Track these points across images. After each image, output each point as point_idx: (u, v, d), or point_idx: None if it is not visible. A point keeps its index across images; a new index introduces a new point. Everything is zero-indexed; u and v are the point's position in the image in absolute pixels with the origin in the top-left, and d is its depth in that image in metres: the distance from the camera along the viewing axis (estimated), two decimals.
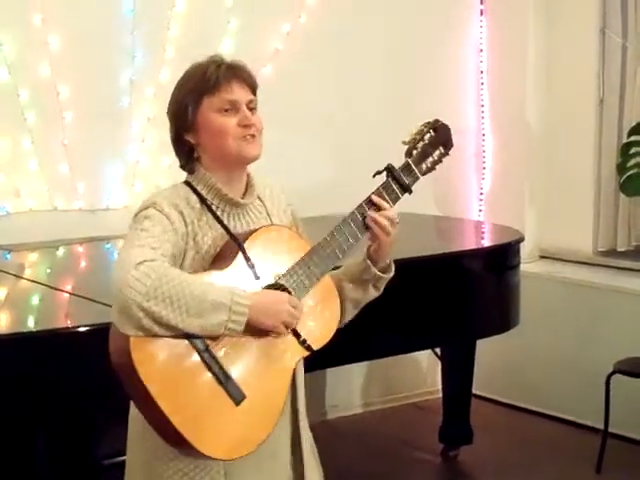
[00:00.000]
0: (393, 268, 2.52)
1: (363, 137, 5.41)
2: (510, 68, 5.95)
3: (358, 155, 5.18)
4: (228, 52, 4.68)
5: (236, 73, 2.37)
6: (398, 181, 2.45)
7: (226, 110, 2.34)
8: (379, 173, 2.46)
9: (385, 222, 2.40)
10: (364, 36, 5.52)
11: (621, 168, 5.16)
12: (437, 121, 2.53)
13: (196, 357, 2.17)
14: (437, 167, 2.52)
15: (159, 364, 2.15)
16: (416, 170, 2.47)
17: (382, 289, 2.53)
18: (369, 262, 2.47)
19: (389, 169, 2.45)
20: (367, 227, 2.41)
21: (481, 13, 6.02)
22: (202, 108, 2.34)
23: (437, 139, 2.51)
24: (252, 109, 2.38)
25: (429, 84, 5.81)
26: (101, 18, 4.74)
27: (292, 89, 5.14)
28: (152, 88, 4.75)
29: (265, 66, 4.91)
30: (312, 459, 2.53)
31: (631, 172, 5.09)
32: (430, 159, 2.50)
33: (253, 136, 2.35)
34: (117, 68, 4.79)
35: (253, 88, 2.40)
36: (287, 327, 2.27)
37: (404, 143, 2.49)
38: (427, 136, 2.49)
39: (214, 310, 2.15)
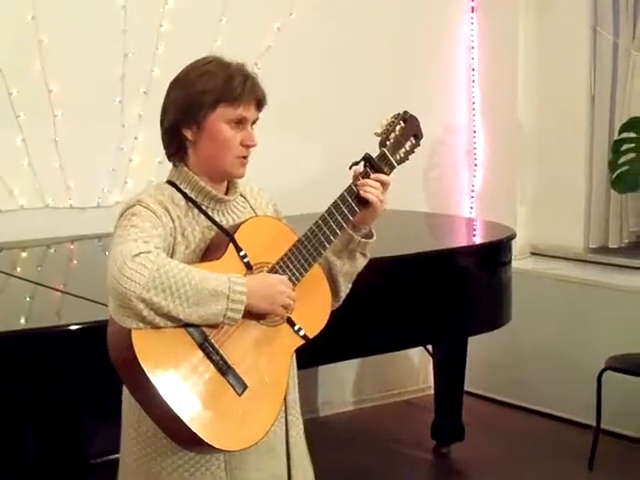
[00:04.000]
0: (374, 232, 2.53)
1: (353, 135, 5.35)
2: (501, 65, 5.95)
3: (348, 153, 5.14)
4: (219, 49, 4.66)
5: (257, 92, 2.38)
6: (376, 170, 2.46)
7: (235, 123, 2.35)
8: (356, 164, 2.48)
9: (377, 183, 2.43)
10: (354, 34, 5.52)
11: (612, 165, 5.17)
12: (406, 112, 2.55)
13: (197, 348, 2.18)
14: (410, 157, 2.54)
15: (162, 356, 2.15)
16: (392, 159, 2.49)
17: (368, 255, 2.54)
18: (350, 231, 2.47)
19: (367, 158, 2.47)
20: (352, 211, 2.41)
21: (472, 10, 6.02)
22: (215, 113, 2.33)
23: (407, 130, 2.52)
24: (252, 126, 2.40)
25: (420, 81, 5.81)
26: (92, 15, 4.73)
27: (283, 85, 5.13)
28: (144, 85, 4.74)
29: (256, 63, 4.89)
30: (303, 454, 2.53)
31: (622, 169, 5.10)
32: (403, 150, 2.52)
33: (246, 157, 2.38)
34: (109, 65, 4.78)
35: (262, 108, 2.41)
36: (285, 308, 2.28)
37: (376, 135, 2.51)
38: (398, 127, 2.51)
39: (213, 299, 2.16)
